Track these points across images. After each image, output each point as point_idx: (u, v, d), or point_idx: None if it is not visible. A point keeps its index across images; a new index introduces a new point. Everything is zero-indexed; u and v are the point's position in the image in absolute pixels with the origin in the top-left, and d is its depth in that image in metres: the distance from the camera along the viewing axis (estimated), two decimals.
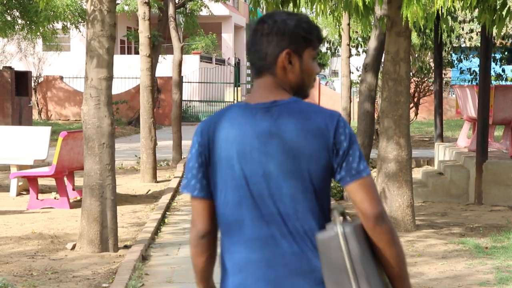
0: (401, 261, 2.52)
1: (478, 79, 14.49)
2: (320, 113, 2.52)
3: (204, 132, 2.59)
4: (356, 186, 2.50)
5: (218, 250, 2.74)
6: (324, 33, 58.64)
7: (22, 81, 22.36)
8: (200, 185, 2.60)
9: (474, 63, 18.10)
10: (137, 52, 33.45)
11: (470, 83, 18.50)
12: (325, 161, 2.51)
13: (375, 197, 2.50)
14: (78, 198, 11.34)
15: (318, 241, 2.49)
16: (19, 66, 30.28)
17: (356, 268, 2.46)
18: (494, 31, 10.39)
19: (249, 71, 46.60)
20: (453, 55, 19.37)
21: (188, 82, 32.09)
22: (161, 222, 9.81)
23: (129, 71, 32.38)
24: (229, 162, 2.54)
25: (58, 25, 25.34)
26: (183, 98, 26.28)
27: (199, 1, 26.74)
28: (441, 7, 7.84)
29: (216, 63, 38.63)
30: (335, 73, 76.45)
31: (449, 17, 14.44)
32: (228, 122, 2.55)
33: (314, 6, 8.86)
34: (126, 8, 28.24)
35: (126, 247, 8.16)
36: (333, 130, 2.50)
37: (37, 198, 10.79)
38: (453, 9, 13.20)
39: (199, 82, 33.79)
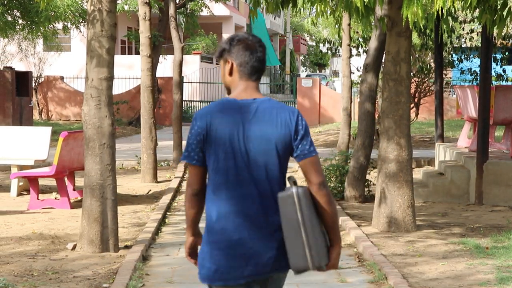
0: (335, 216, 3.59)
1: (478, 79, 14.49)
2: (285, 109, 3.60)
3: (203, 118, 3.57)
4: (307, 162, 3.57)
5: (206, 205, 3.66)
6: (325, 33, 58.66)
7: (22, 81, 22.35)
8: (197, 156, 3.58)
9: (474, 63, 18.08)
10: (137, 52, 33.44)
11: (470, 83, 18.47)
12: (288, 143, 3.57)
13: (319, 170, 3.58)
14: (79, 198, 11.34)
15: (279, 198, 3.54)
16: (19, 66, 30.25)
17: (305, 218, 3.49)
18: (495, 31, 10.38)
19: None
20: (454, 55, 19.34)
21: (188, 82, 32.08)
22: (162, 222, 9.81)
23: (130, 71, 32.37)
24: (222, 141, 3.54)
25: (59, 25, 25.32)
26: (184, 98, 26.33)
27: (200, 1, 26.72)
28: (441, 7, 7.83)
29: (216, 63, 38.62)
30: (335, 74, 76.45)
31: (449, 18, 14.41)
32: (222, 113, 3.56)
33: (314, 7, 8.85)
34: (126, 7, 28.21)
35: (126, 247, 8.16)
36: (294, 122, 3.57)
37: (37, 198, 10.79)
38: (453, 10, 13.19)
39: (199, 82, 33.79)
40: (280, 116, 3.57)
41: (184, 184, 13.49)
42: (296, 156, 3.59)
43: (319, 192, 3.56)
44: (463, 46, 21.05)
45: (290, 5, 9.37)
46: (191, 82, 32.80)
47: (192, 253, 3.80)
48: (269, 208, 3.58)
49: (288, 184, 3.60)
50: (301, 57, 68.93)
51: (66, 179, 11.21)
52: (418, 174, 13.70)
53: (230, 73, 3.67)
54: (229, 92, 3.69)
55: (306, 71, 70.55)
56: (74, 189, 11.60)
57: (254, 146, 3.55)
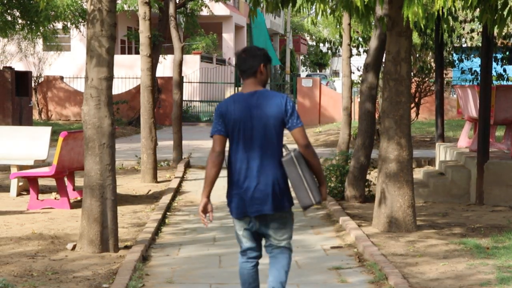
0: (319, 165, 5.32)
1: (479, 79, 14.46)
2: (277, 96, 5.29)
3: (223, 106, 5.32)
4: (296, 131, 5.24)
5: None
6: (325, 33, 58.60)
7: (22, 81, 22.32)
8: (220, 127, 5.30)
9: (475, 63, 18.04)
10: (137, 52, 33.39)
11: (471, 83, 18.45)
12: (281, 119, 5.24)
13: (305, 136, 5.27)
14: (79, 198, 11.32)
15: (283, 162, 5.23)
16: (19, 66, 30.21)
17: (303, 171, 5.22)
18: (495, 31, 10.36)
19: None
20: (454, 55, 19.30)
21: (188, 82, 32.05)
22: (162, 222, 9.80)
23: (130, 71, 32.34)
24: (234, 121, 5.27)
25: (59, 25, 25.30)
26: (184, 98, 26.23)
27: (200, 1, 26.70)
28: (442, 7, 7.81)
29: (216, 63, 38.60)
30: (336, 73, 76.41)
31: (450, 17, 14.38)
32: (234, 102, 5.31)
33: (314, 6, 8.83)
34: (125, 7, 28.18)
35: (126, 247, 8.15)
36: (284, 103, 5.24)
37: (37, 199, 10.78)
38: (453, 9, 13.16)
39: (199, 82, 33.76)
40: (273, 101, 5.25)
41: (184, 184, 13.50)
42: (288, 127, 5.25)
43: (306, 150, 5.26)
44: (463, 45, 21.02)
45: (290, 4, 9.34)
46: (191, 82, 32.77)
47: (204, 211, 5.33)
48: (269, 166, 5.24)
49: (284, 150, 5.28)
50: (301, 57, 68.90)
51: (65, 179, 11.20)
52: (418, 174, 13.68)
53: (240, 76, 5.39)
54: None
55: (306, 71, 70.52)
56: (74, 189, 11.58)
57: (257, 122, 5.23)
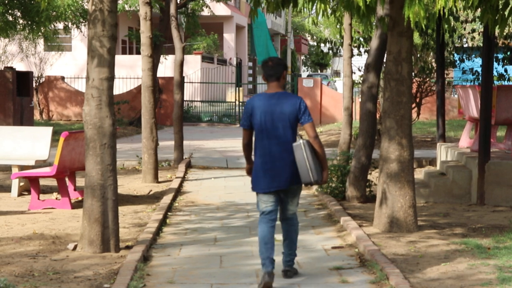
0: (323, 153, 6.79)
1: (480, 79, 14.44)
2: (293, 96, 6.81)
3: (249, 104, 6.81)
4: (307, 125, 6.75)
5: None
6: (326, 33, 58.60)
7: (23, 81, 22.31)
8: (247, 123, 6.83)
9: (476, 63, 18.04)
10: (138, 52, 33.38)
11: (472, 83, 18.42)
12: (295, 115, 6.75)
13: (314, 130, 6.77)
14: (80, 198, 11.32)
15: (293, 146, 6.69)
16: (20, 67, 30.22)
17: (308, 156, 6.67)
18: (497, 31, 10.35)
19: (250, 72, 46.22)
20: (455, 55, 19.28)
21: (189, 82, 32.02)
22: (163, 222, 9.80)
23: (131, 71, 32.33)
24: (258, 116, 6.75)
25: (60, 25, 25.28)
26: (185, 98, 26.27)
27: (201, 1, 26.70)
28: (443, 7, 7.81)
29: (217, 63, 38.59)
30: (337, 73, 76.42)
31: (451, 17, 14.37)
32: (259, 100, 6.80)
33: (314, 6, 8.82)
34: (126, 7, 28.17)
35: (127, 247, 8.14)
36: (298, 103, 6.76)
37: (38, 199, 10.78)
38: (455, 9, 13.16)
39: (200, 82, 33.74)
40: (290, 100, 6.75)
41: (185, 184, 13.53)
42: (301, 122, 6.72)
43: (314, 141, 6.74)
44: (464, 46, 21.00)
45: (291, 4, 9.34)
46: (192, 82, 32.76)
47: (249, 172, 6.97)
48: (286, 151, 6.71)
49: (297, 138, 6.70)
50: (302, 57, 68.91)
51: (67, 179, 11.20)
52: (419, 174, 13.67)
53: (264, 80, 6.86)
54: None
55: (307, 71, 70.53)
56: (75, 189, 11.58)
57: (276, 117, 6.71)
